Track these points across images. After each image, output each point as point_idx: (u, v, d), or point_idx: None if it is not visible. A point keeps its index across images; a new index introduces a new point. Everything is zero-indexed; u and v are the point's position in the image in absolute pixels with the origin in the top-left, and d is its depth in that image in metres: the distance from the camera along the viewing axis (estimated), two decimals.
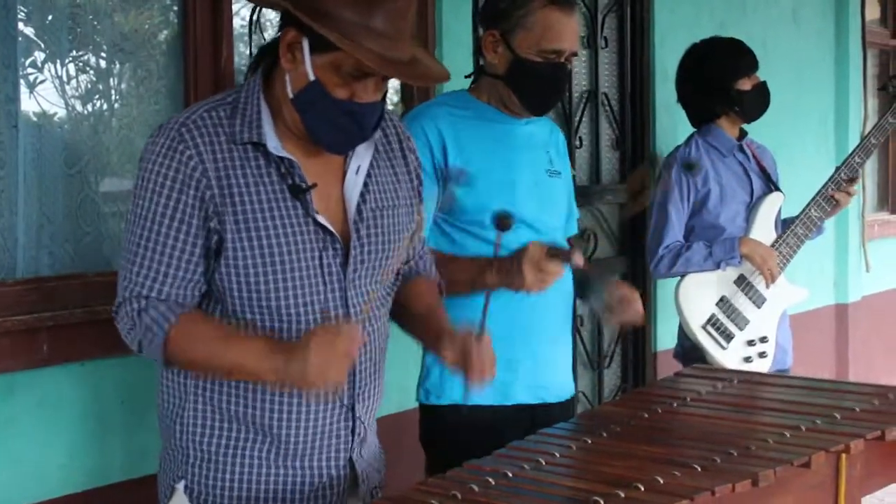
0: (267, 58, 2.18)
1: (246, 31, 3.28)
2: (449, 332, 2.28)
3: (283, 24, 2.10)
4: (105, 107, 3.02)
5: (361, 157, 2.23)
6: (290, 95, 2.10)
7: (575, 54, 2.87)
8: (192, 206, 2.08)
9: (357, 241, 2.19)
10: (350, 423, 2.22)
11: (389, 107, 2.43)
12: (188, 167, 2.07)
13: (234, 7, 3.21)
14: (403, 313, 2.41)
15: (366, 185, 2.23)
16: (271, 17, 3.18)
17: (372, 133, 2.18)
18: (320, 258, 2.15)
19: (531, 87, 2.82)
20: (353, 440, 2.24)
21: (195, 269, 2.11)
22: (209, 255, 2.11)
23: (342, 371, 2.02)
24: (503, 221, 2.41)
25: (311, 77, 2.05)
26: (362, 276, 2.21)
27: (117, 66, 3.04)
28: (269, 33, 3.26)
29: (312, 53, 2.04)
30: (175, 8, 3.10)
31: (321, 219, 2.14)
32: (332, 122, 2.09)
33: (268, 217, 2.10)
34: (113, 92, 3.04)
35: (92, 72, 2.99)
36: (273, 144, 2.12)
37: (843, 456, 2.31)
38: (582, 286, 2.94)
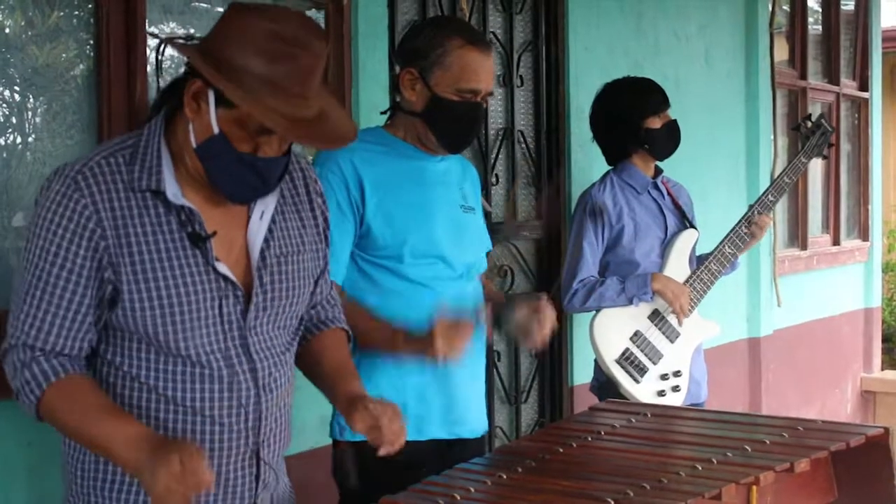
0: (170, 100, 2.15)
1: (165, 65, 3.27)
2: (359, 401, 2.24)
3: (190, 73, 2.07)
4: (19, 140, 2.98)
5: (266, 202, 2.21)
6: (193, 145, 2.07)
7: (491, 94, 2.91)
8: (84, 256, 2.05)
9: (260, 288, 2.17)
10: (254, 469, 2.21)
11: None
12: (82, 217, 2.04)
13: (152, 42, 3.20)
14: (311, 365, 2.39)
15: (270, 230, 2.21)
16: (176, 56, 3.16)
17: (276, 185, 2.15)
18: (220, 306, 2.13)
19: (448, 125, 2.85)
20: (257, 486, 2.22)
21: (83, 321, 2.07)
22: (102, 305, 2.08)
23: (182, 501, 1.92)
24: None
25: (216, 129, 2.03)
26: (264, 323, 2.19)
27: (31, 99, 3.01)
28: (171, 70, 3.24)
29: (218, 106, 2.02)
30: (91, 42, 3.08)
31: (221, 267, 2.12)
32: (234, 174, 2.07)
33: (166, 266, 2.07)
34: (27, 126, 3.00)
35: (5, 105, 2.95)
36: (172, 192, 2.09)
37: (754, 488, 2.35)
38: (495, 315, 2.95)
